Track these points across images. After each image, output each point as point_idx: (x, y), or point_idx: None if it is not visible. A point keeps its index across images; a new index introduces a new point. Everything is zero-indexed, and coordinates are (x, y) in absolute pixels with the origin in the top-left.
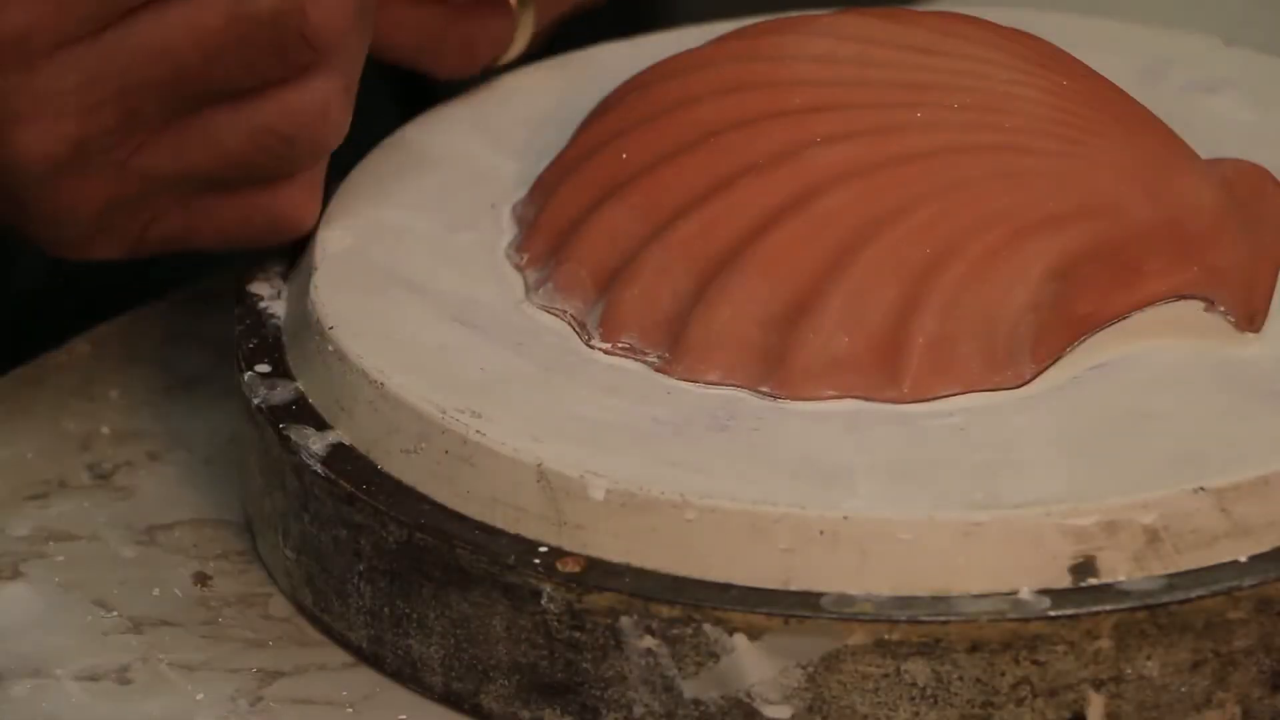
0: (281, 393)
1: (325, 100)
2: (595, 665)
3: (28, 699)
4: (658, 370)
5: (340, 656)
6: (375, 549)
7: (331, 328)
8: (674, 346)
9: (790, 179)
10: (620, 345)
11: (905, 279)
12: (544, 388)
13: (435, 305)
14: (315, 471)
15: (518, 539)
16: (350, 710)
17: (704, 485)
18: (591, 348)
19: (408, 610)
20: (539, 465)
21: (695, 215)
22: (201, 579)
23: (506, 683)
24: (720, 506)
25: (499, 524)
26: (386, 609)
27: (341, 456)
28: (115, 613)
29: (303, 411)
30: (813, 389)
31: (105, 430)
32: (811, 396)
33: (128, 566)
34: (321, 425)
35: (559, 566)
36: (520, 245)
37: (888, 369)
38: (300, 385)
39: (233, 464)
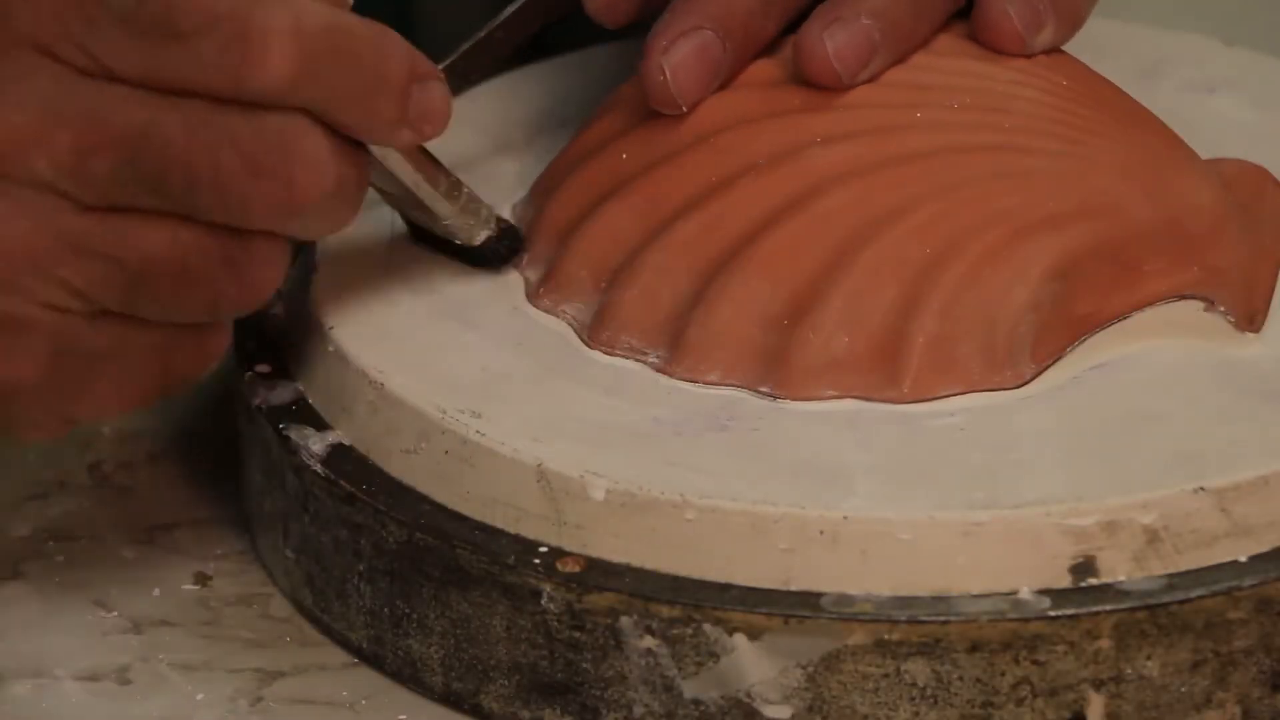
0: (281, 393)
1: (277, 255)
2: (595, 665)
3: (28, 699)
4: (658, 370)
5: (340, 656)
6: (375, 549)
7: (331, 328)
8: (674, 346)
9: (790, 179)
10: (620, 345)
11: (905, 279)
12: (544, 388)
13: (435, 305)
14: (315, 471)
15: (518, 539)
16: (350, 710)
17: (704, 485)
18: (591, 348)
19: (408, 610)
20: (539, 465)
21: (695, 215)
22: (201, 579)
23: (506, 683)
24: (720, 506)
25: (499, 524)
26: (386, 609)
27: (341, 456)
28: (115, 613)
29: (303, 411)
30: (813, 389)
31: (105, 430)
32: (811, 396)
33: (128, 566)
34: (321, 425)
35: (559, 566)
36: None
37: (888, 369)
38: (300, 385)
39: (233, 464)
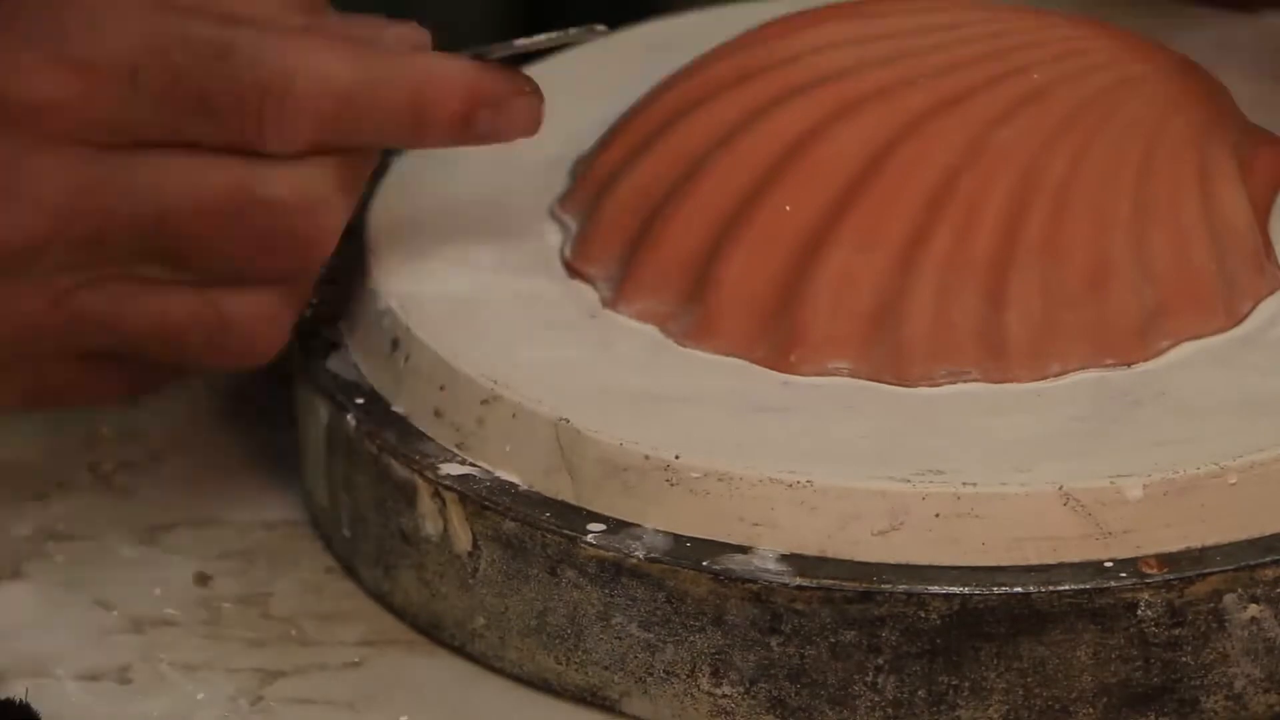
0: None
1: (278, 314)
2: (1195, 655)
3: (28, 699)
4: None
5: (340, 656)
6: (905, 635)
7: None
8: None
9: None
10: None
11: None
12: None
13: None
14: (787, 586)
15: (1078, 567)
16: (350, 710)
17: (1214, 449)
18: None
19: (955, 682)
20: (1061, 489)
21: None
22: (201, 579)
23: (1091, 710)
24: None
25: (1038, 560)
26: (921, 692)
27: (802, 563)
28: (115, 613)
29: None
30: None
31: (105, 430)
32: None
33: (128, 566)
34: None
35: (1145, 571)
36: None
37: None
38: None
39: (229, 466)
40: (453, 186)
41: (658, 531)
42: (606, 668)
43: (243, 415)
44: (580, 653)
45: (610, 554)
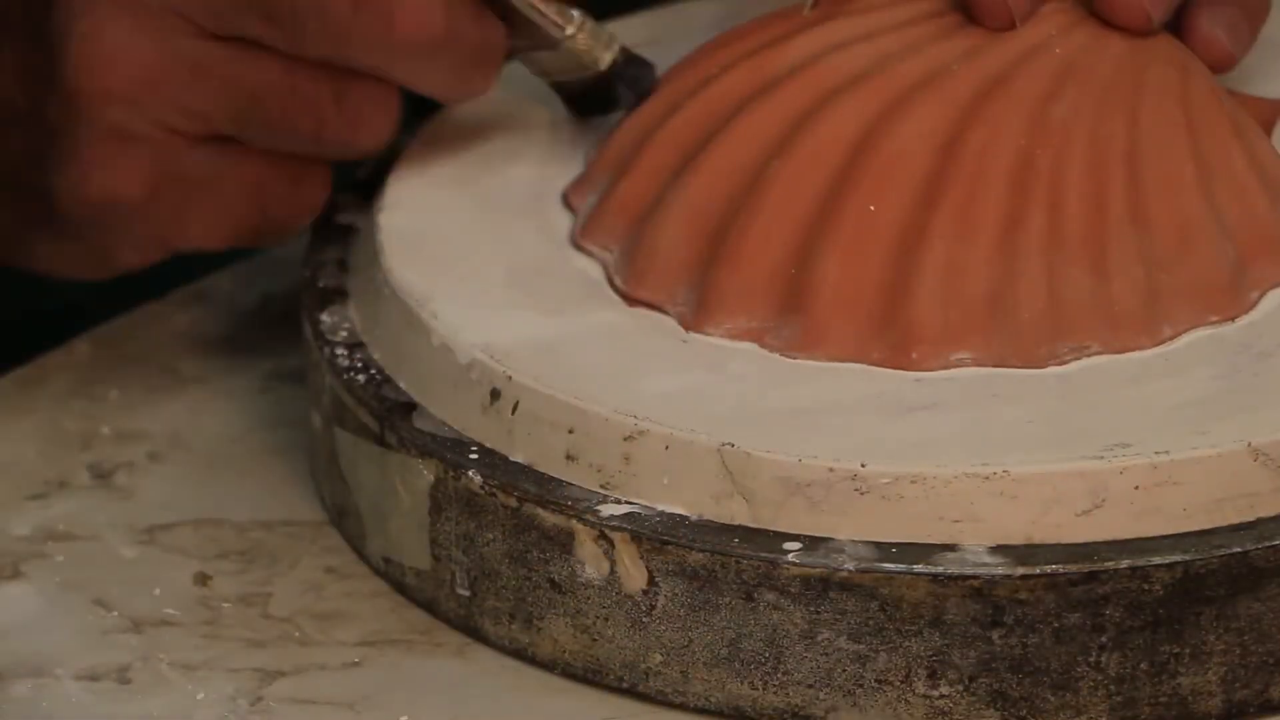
0: None
1: (388, 99)
2: None
3: (28, 699)
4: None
5: (340, 656)
6: (1128, 609)
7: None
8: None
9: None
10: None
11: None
12: None
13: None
14: (1008, 577)
15: (1274, 520)
16: (350, 710)
17: None
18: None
19: (1176, 650)
20: (1250, 444)
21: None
22: (201, 579)
23: None
24: None
25: (1234, 519)
26: (1144, 664)
27: (1014, 553)
28: (115, 613)
29: None
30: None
31: (105, 430)
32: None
33: (128, 566)
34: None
35: None
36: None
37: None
38: None
39: (227, 465)
40: (457, 228)
41: (857, 542)
42: (810, 686)
43: (243, 415)
44: (780, 674)
45: (817, 570)
